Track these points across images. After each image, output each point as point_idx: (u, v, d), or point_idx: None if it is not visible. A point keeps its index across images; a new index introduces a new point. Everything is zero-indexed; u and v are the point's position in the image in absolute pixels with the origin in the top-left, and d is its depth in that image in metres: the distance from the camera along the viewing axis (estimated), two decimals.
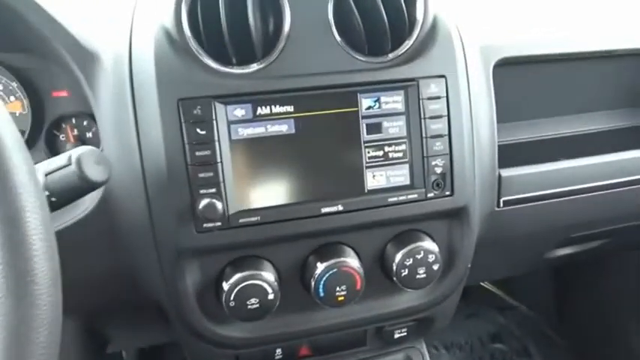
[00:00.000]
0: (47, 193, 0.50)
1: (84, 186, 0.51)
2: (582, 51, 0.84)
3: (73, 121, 0.75)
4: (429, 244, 0.72)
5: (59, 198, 0.51)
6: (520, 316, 1.62)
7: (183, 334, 0.73)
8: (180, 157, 0.61)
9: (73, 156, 0.51)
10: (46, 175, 0.51)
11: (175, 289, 0.67)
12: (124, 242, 0.67)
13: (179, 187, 0.62)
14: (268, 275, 0.66)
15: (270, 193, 0.65)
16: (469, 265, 0.79)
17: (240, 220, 0.64)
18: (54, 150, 0.76)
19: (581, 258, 1.15)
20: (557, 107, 0.91)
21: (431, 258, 0.71)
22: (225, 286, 0.65)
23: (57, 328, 0.38)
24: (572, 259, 1.13)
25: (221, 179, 0.62)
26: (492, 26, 0.82)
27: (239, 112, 0.63)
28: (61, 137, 0.76)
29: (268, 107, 0.63)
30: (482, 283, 1.72)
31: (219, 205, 0.61)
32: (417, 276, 0.71)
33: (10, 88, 0.72)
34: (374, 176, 0.68)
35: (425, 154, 0.68)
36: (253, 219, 0.64)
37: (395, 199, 0.68)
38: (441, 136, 0.69)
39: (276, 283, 0.66)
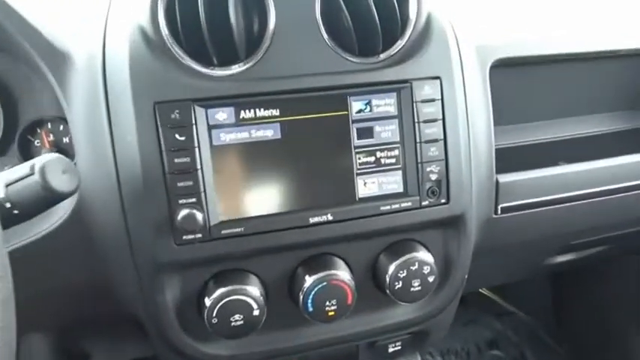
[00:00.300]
0: (9, 205, 0.48)
1: (49, 197, 0.49)
2: (583, 51, 0.84)
3: (49, 125, 0.74)
4: (423, 255, 0.70)
5: (22, 210, 0.49)
6: (517, 321, 1.61)
7: (162, 350, 0.71)
8: (158, 164, 0.59)
9: (36, 165, 0.49)
10: (7, 185, 0.48)
11: (154, 304, 0.65)
12: (100, 254, 0.65)
13: (156, 197, 0.60)
14: (253, 290, 0.64)
15: (255, 202, 0.64)
16: (466, 276, 0.78)
17: (223, 232, 0.62)
18: (28, 156, 0.73)
19: (580, 264, 1.15)
20: (556, 109, 0.91)
21: (426, 269, 0.70)
22: (207, 301, 0.63)
23: (10, 351, 0.36)
24: (572, 265, 1.13)
25: (201, 188, 0.60)
26: (489, 25, 0.81)
27: (221, 116, 0.61)
28: (36, 143, 0.74)
29: (252, 111, 0.62)
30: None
31: (199, 215, 0.60)
32: (412, 288, 0.70)
33: None
34: (365, 183, 0.67)
35: (419, 160, 0.67)
36: (237, 230, 0.63)
37: (388, 207, 0.67)
38: (435, 140, 0.67)
39: (261, 298, 0.65)
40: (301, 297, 0.66)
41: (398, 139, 0.67)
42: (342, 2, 0.62)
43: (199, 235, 0.61)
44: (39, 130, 0.73)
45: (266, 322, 0.65)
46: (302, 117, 0.63)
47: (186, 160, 0.59)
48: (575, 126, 0.92)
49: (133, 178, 0.60)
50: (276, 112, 0.62)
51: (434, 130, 0.67)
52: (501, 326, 1.59)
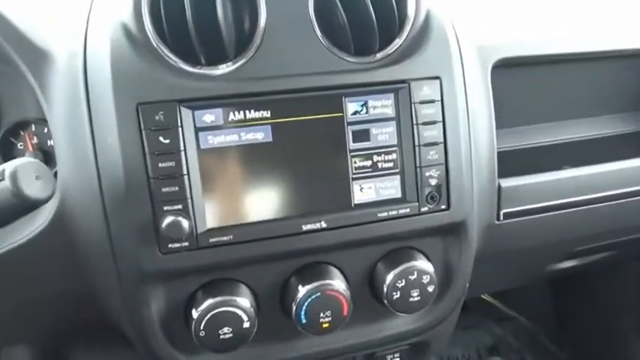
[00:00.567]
0: None
1: (21, 204, 0.47)
2: (587, 51, 0.83)
3: (33, 127, 0.73)
4: (423, 264, 0.69)
5: None
6: (518, 326, 1.61)
7: None
8: (141, 169, 0.58)
9: (7, 170, 0.47)
10: None
11: (138, 316, 0.64)
12: (83, 262, 0.64)
13: (140, 203, 0.58)
14: (243, 301, 0.63)
15: (245, 208, 0.62)
16: (467, 285, 0.76)
17: (211, 240, 0.61)
18: (10, 160, 0.72)
19: (582, 269, 1.14)
20: (560, 111, 0.91)
21: (425, 279, 0.69)
22: (195, 313, 0.62)
23: None
24: (574, 271, 1.12)
25: (188, 194, 0.59)
26: (490, 24, 0.81)
27: (208, 117, 0.59)
28: (19, 145, 0.73)
29: (242, 112, 0.60)
30: None
31: (185, 223, 0.58)
32: (411, 299, 0.69)
33: None
34: (361, 189, 0.65)
35: (418, 164, 0.66)
36: (225, 238, 0.61)
37: (385, 214, 0.66)
38: (435, 143, 0.66)
39: (252, 310, 0.63)
40: (294, 308, 0.65)
41: (395, 142, 0.65)
42: None
43: (186, 244, 0.60)
44: (22, 133, 0.72)
45: (257, 335, 0.64)
46: (294, 119, 0.62)
47: (171, 164, 0.57)
48: (578, 128, 0.91)
49: (115, 182, 0.58)
50: (267, 114, 0.61)
51: (433, 133, 0.66)
52: (502, 331, 1.58)
